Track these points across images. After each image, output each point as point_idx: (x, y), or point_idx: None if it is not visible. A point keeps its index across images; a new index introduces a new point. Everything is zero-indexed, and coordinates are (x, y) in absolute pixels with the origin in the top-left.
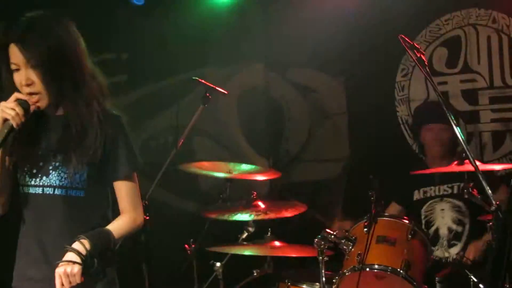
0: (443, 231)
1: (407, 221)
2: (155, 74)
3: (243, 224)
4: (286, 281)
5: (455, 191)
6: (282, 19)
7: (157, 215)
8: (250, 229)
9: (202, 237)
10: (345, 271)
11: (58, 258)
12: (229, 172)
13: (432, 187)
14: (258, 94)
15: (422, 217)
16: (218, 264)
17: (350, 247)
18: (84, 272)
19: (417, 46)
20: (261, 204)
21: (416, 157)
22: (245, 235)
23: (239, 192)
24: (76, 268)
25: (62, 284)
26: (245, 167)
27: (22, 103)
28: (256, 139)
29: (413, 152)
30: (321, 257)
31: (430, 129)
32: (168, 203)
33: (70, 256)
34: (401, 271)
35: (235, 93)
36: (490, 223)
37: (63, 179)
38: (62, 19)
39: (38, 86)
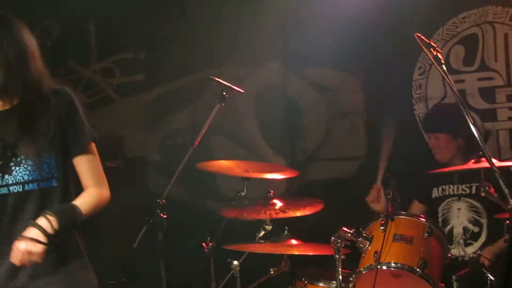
0: (458, 230)
1: (423, 219)
2: (172, 73)
3: (260, 223)
4: (303, 279)
5: (473, 191)
6: (299, 17)
7: (175, 214)
8: (267, 227)
9: (219, 235)
10: (361, 269)
11: (36, 266)
12: (247, 171)
13: (451, 186)
14: (276, 93)
15: (439, 215)
16: (235, 262)
17: (367, 246)
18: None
19: (433, 44)
20: (278, 202)
21: (432, 155)
22: (262, 233)
23: (257, 191)
24: (40, 248)
25: (20, 261)
26: (262, 166)
27: None
28: (273, 138)
29: (430, 150)
30: (337, 256)
31: (436, 138)
32: (186, 201)
33: (34, 233)
34: (418, 269)
35: (252, 92)
36: (507, 221)
37: (31, 173)
38: (14, 16)
39: None
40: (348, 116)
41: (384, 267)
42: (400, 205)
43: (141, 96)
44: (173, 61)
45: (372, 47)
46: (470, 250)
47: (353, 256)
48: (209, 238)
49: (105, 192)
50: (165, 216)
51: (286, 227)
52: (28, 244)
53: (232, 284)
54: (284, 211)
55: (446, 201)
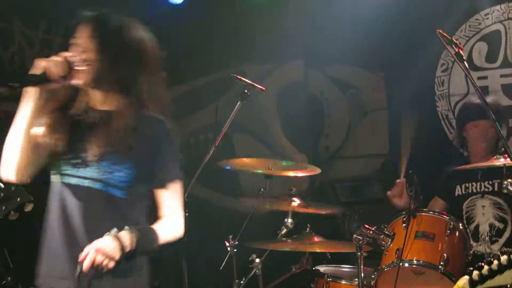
0: (484, 228)
1: (446, 216)
2: (194, 72)
3: (282, 220)
4: (325, 277)
5: (496, 188)
6: (321, 14)
7: (197, 212)
8: (289, 225)
9: (242, 233)
10: (383, 266)
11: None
12: (269, 168)
13: (474, 183)
14: (298, 91)
15: (464, 212)
16: (257, 260)
17: (389, 243)
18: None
19: (455, 41)
20: (299, 201)
21: (456, 152)
22: (284, 231)
23: (279, 189)
24: (112, 264)
25: (88, 267)
26: (284, 163)
27: (67, 60)
28: (296, 136)
29: (454, 147)
30: (359, 253)
31: (476, 126)
32: (208, 199)
33: (112, 246)
34: (440, 266)
35: (274, 90)
36: None
37: (102, 173)
38: (139, 23)
39: (92, 54)
40: (370, 114)
41: (406, 264)
42: (422, 202)
43: None
44: (196, 59)
45: (394, 44)
46: (495, 247)
47: (376, 253)
48: (231, 236)
49: (180, 225)
50: (187, 214)
51: (308, 225)
52: (103, 258)
53: (254, 282)
54: (306, 207)
55: (469, 199)
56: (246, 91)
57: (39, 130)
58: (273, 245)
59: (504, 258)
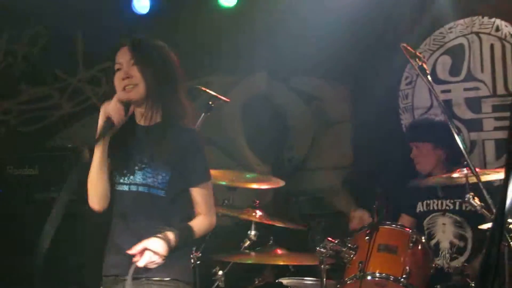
0: (444, 245)
1: (408, 230)
2: None
3: (245, 232)
4: None
5: (457, 206)
6: (286, 26)
7: None
8: (253, 237)
9: (205, 245)
10: (346, 279)
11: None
12: (233, 180)
13: (435, 200)
14: (262, 102)
15: (425, 228)
16: (220, 272)
17: (352, 256)
18: None
19: (419, 54)
20: (262, 213)
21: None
22: (247, 243)
23: (243, 201)
24: (160, 261)
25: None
26: (248, 175)
27: (123, 102)
28: (260, 147)
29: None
30: (322, 266)
31: (418, 147)
32: None
33: (160, 245)
34: (402, 279)
35: (239, 101)
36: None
37: (146, 178)
38: (164, 45)
39: (136, 79)
40: (334, 126)
41: (369, 277)
42: (388, 216)
43: None
44: None
45: (359, 57)
46: (455, 263)
47: (339, 266)
48: (194, 247)
49: (214, 222)
50: None
51: (271, 237)
52: (153, 256)
53: None
54: (269, 219)
55: (430, 216)
56: (210, 102)
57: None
58: (236, 257)
59: None
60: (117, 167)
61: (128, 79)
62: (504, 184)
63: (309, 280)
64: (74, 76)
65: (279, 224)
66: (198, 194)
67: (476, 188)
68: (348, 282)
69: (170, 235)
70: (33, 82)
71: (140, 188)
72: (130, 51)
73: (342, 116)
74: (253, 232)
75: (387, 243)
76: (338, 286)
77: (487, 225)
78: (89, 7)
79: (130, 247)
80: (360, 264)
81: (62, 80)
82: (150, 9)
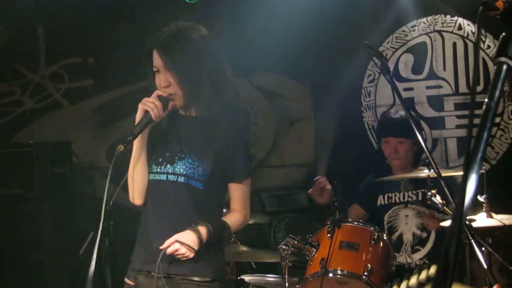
0: (407, 237)
1: (370, 227)
2: (121, 79)
3: None
4: (250, 286)
5: (420, 197)
6: (248, 22)
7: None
8: None
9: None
10: (308, 276)
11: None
12: None
13: (397, 193)
14: None
15: (385, 222)
16: None
17: (314, 253)
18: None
19: (381, 52)
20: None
21: (381, 163)
22: None
23: None
24: (191, 255)
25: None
26: None
27: (161, 98)
28: None
29: (379, 158)
30: (284, 263)
31: (387, 142)
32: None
33: (192, 239)
34: (364, 276)
35: None
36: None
37: (187, 169)
38: (200, 29)
39: (174, 87)
40: (297, 123)
41: (331, 275)
42: (347, 213)
43: (89, 102)
44: (122, 67)
45: (321, 54)
46: (417, 256)
47: (300, 263)
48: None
49: (248, 218)
50: (112, 223)
51: (233, 234)
52: (184, 249)
53: None
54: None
55: (392, 209)
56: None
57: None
58: None
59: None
60: (154, 155)
61: (167, 88)
62: (463, 181)
63: (271, 277)
64: (36, 72)
65: None
66: (236, 190)
67: (437, 185)
68: (310, 279)
69: (203, 229)
70: None
71: (180, 179)
72: (161, 55)
73: (304, 113)
74: None
75: (349, 240)
76: (300, 283)
77: (448, 222)
78: (49, 1)
79: (163, 240)
80: (321, 261)
81: (24, 76)
82: None
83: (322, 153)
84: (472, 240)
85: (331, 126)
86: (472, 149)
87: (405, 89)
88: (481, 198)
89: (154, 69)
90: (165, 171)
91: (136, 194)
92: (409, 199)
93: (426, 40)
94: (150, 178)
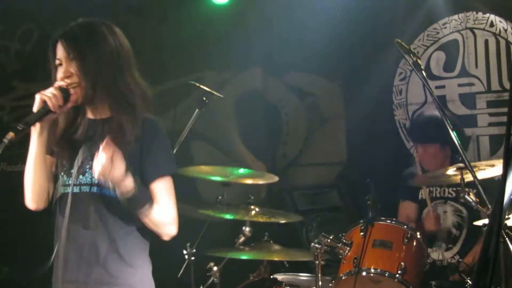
0: (442, 234)
1: (403, 225)
2: (152, 78)
3: (240, 228)
4: (283, 285)
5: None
6: (280, 22)
7: None
8: (247, 233)
9: (199, 241)
10: (341, 275)
11: (93, 259)
12: (227, 176)
13: (438, 188)
14: (256, 98)
15: (423, 216)
16: (215, 268)
17: (347, 251)
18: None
19: (413, 50)
20: (257, 209)
21: (413, 160)
22: (242, 239)
23: (237, 197)
24: (106, 165)
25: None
26: (242, 171)
27: (61, 89)
28: (254, 143)
29: (411, 155)
30: (317, 261)
31: (425, 149)
32: None
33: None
34: (398, 275)
35: (233, 97)
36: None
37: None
38: (111, 26)
39: (76, 78)
40: (328, 122)
41: (364, 273)
42: (381, 211)
43: None
44: (153, 66)
45: (353, 53)
46: (448, 255)
47: (334, 262)
48: (189, 243)
49: (171, 214)
50: None
51: (266, 233)
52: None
53: None
54: (264, 215)
55: (432, 203)
56: (204, 98)
57: (49, 158)
58: (231, 253)
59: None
60: (64, 167)
61: (68, 78)
62: (503, 178)
63: (303, 276)
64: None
65: (274, 220)
66: (156, 189)
67: (472, 185)
68: (343, 277)
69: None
70: (25, 79)
71: (93, 189)
72: (65, 45)
73: (336, 112)
74: (247, 228)
75: (382, 238)
76: (333, 282)
77: (482, 221)
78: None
79: (81, 256)
80: (355, 260)
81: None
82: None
83: (355, 152)
84: (507, 239)
85: (363, 124)
86: (511, 145)
87: (437, 87)
88: None
89: (57, 61)
90: (77, 182)
91: (31, 197)
92: (449, 195)
93: (457, 38)
94: (62, 191)
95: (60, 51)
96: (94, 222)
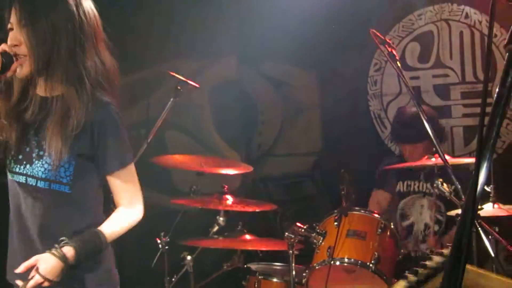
0: (419, 227)
1: (377, 215)
2: (126, 67)
3: (214, 218)
4: (257, 274)
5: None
6: (256, 12)
7: None
8: (221, 222)
9: (173, 230)
10: (315, 264)
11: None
12: (201, 165)
13: (416, 182)
14: (231, 88)
15: (399, 208)
16: (189, 257)
17: (320, 241)
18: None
19: (388, 41)
20: (231, 199)
21: (388, 151)
22: (215, 228)
23: (211, 186)
24: (53, 282)
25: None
26: (216, 161)
27: (3, 53)
28: (229, 133)
29: (386, 146)
30: (291, 251)
31: (411, 147)
32: None
33: (52, 266)
34: (371, 265)
35: (207, 87)
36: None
37: (46, 171)
38: None
39: (24, 48)
40: (303, 112)
41: (338, 263)
42: (355, 201)
43: None
44: (127, 54)
45: (328, 43)
46: (424, 247)
47: (307, 251)
48: (162, 233)
49: (137, 214)
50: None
51: (240, 222)
52: (40, 279)
53: (186, 279)
54: (238, 204)
55: (410, 197)
56: (179, 87)
57: None
58: (205, 242)
59: (436, 260)
60: (11, 150)
61: (16, 48)
62: (476, 169)
63: (277, 266)
64: None
65: (248, 209)
66: (115, 183)
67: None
68: (317, 267)
69: (69, 251)
70: None
71: (40, 183)
72: (17, 8)
73: (311, 102)
74: (221, 218)
75: (356, 228)
76: (307, 271)
77: (455, 211)
78: None
79: (23, 258)
80: (329, 250)
81: None
82: None
83: (330, 142)
84: (480, 229)
85: (338, 114)
86: (485, 136)
87: (412, 78)
88: (487, 188)
89: (9, 26)
90: (24, 172)
91: None
92: (427, 190)
93: (432, 29)
94: (11, 177)
95: (13, 15)
96: (40, 218)
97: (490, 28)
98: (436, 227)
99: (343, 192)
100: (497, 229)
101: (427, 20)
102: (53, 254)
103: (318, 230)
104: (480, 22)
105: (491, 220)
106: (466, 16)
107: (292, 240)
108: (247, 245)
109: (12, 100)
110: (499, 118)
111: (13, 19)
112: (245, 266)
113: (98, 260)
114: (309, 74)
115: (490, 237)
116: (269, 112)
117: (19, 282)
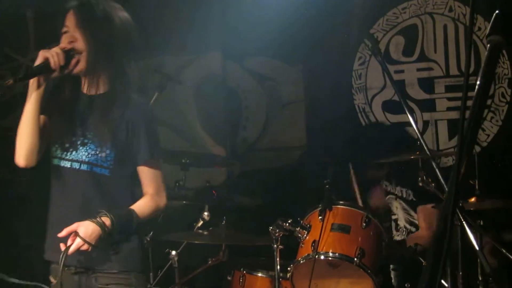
0: (402, 224)
1: (361, 209)
2: None
3: (199, 212)
4: (241, 269)
5: (405, 195)
6: (239, 6)
7: None
8: (206, 217)
9: (158, 225)
10: (299, 259)
11: None
12: (186, 160)
13: (387, 183)
14: (215, 83)
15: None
16: (173, 252)
17: (305, 235)
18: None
19: (372, 34)
20: (215, 194)
21: (373, 145)
22: (200, 223)
23: (196, 181)
24: (88, 248)
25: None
26: (202, 155)
27: (65, 50)
28: (213, 128)
29: (370, 140)
30: (275, 245)
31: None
32: None
33: (92, 232)
34: (355, 259)
35: (192, 82)
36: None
37: (89, 155)
38: (123, 10)
39: (80, 44)
40: (288, 106)
41: (322, 257)
42: (339, 195)
43: None
44: None
45: (312, 37)
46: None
47: (292, 246)
48: (147, 228)
49: (162, 202)
50: None
51: (224, 217)
52: (80, 242)
53: (170, 274)
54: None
55: (388, 196)
56: (163, 83)
57: (43, 118)
58: (189, 237)
59: None
60: (58, 139)
61: (73, 43)
62: (457, 162)
63: (262, 260)
64: (26, 56)
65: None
66: (144, 172)
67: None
68: (302, 261)
69: (106, 220)
70: None
71: (83, 166)
72: (75, 14)
73: (295, 96)
74: (206, 213)
75: (340, 222)
76: (292, 265)
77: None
78: None
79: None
80: (313, 244)
81: (13, 60)
82: None
83: (315, 137)
84: (464, 222)
85: (322, 108)
86: (466, 130)
87: (396, 72)
88: (472, 181)
89: (64, 29)
90: (70, 157)
91: (20, 153)
92: (398, 194)
93: (417, 22)
94: (55, 163)
95: (70, 20)
96: (83, 200)
97: (471, 22)
98: (413, 229)
99: (327, 186)
100: (481, 223)
101: (411, 13)
102: (92, 221)
103: (303, 224)
104: (464, 15)
105: (476, 213)
106: (450, 9)
107: (276, 234)
108: (232, 240)
109: (63, 96)
110: (480, 110)
111: (70, 22)
112: (230, 261)
113: (131, 232)
114: (294, 68)
115: (474, 230)
116: (253, 107)
117: (62, 246)
